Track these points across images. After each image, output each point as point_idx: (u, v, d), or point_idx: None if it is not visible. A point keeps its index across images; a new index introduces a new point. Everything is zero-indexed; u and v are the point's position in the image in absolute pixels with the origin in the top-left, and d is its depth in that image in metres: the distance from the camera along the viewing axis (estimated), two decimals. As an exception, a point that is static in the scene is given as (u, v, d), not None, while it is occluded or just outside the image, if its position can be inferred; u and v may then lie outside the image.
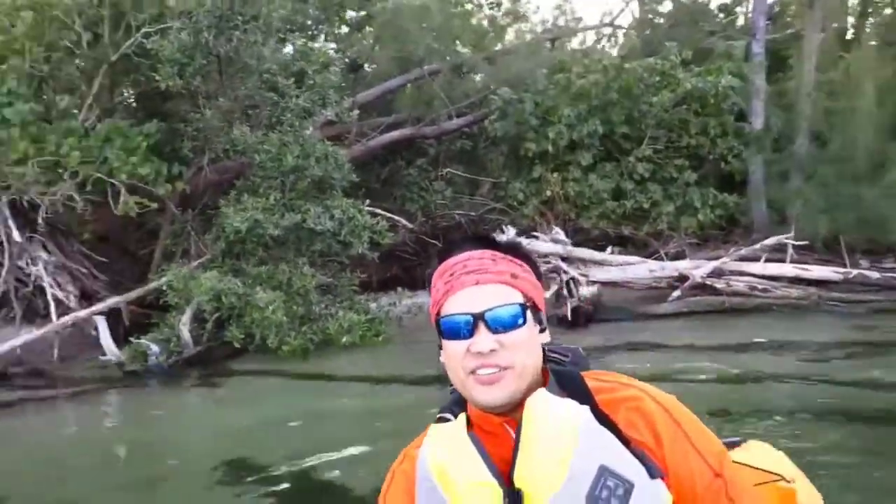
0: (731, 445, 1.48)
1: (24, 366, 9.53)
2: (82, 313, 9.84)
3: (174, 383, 9.13)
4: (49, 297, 9.94)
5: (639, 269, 11.96)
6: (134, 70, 11.73)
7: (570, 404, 1.08)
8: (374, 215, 12.23)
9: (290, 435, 6.58)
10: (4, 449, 6.97)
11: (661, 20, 18.51)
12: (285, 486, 5.20)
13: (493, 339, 1.09)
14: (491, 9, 17.39)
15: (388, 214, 13.08)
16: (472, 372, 1.11)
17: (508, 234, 10.89)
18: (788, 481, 1.44)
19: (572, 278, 11.34)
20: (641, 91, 13.48)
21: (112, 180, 10.31)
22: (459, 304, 1.12)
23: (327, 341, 9.97)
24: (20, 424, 7.96)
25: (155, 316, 10.44)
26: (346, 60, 16.11)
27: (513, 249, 1.21)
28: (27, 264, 10.30)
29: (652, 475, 1.04)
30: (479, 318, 1.10)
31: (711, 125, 13.63)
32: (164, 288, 10.12)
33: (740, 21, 17.89)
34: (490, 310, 1.11)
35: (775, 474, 1.43)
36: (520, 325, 1.12)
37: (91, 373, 9.31)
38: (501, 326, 1.10)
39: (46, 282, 10.07)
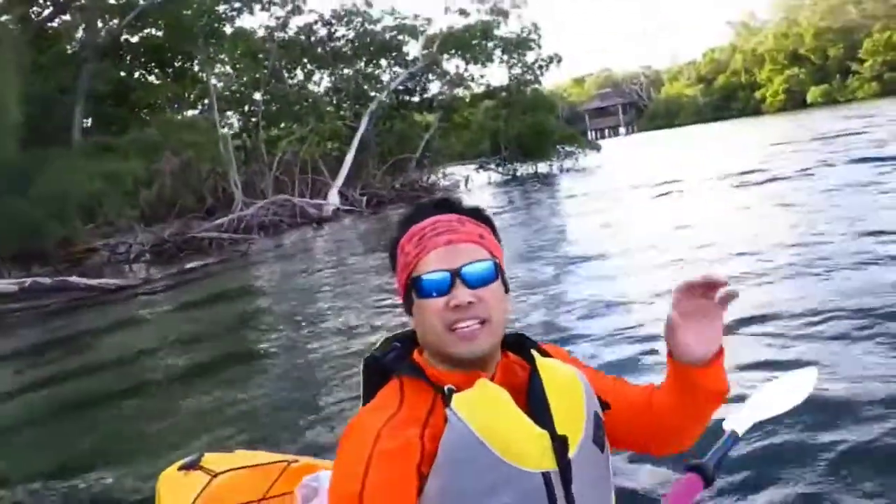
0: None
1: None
2: None
3: None
4: None
5: None
6: None
7: (561, 362, 1.24)
8: None
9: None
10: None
11: None
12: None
13: (471, 293, 1.15)
14: None
15: None
16: (452, 329, 1.15)
17: None
18: None
19: None
20: None
21: None
22: (435, 263, 1.16)
23: None
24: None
25: None
26: None
27: (475, 213, 1.25)
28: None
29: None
30: (456, 274, 1.15)
31: None
32: None
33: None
34: (466, 265, 1.16)
35: None
36: (493, 281, 1.18)
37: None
38: (478, 281, 1.16)
39: None
